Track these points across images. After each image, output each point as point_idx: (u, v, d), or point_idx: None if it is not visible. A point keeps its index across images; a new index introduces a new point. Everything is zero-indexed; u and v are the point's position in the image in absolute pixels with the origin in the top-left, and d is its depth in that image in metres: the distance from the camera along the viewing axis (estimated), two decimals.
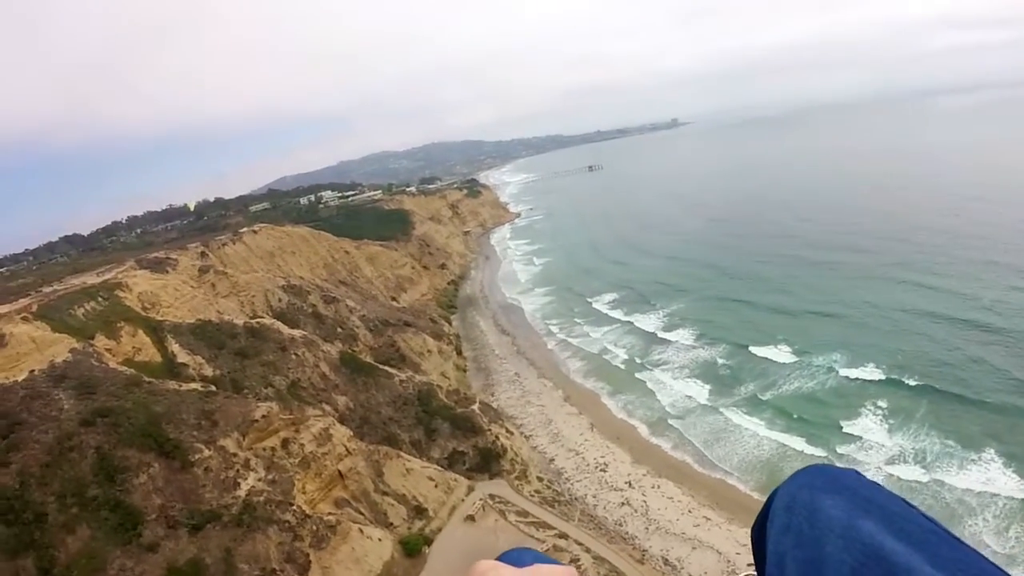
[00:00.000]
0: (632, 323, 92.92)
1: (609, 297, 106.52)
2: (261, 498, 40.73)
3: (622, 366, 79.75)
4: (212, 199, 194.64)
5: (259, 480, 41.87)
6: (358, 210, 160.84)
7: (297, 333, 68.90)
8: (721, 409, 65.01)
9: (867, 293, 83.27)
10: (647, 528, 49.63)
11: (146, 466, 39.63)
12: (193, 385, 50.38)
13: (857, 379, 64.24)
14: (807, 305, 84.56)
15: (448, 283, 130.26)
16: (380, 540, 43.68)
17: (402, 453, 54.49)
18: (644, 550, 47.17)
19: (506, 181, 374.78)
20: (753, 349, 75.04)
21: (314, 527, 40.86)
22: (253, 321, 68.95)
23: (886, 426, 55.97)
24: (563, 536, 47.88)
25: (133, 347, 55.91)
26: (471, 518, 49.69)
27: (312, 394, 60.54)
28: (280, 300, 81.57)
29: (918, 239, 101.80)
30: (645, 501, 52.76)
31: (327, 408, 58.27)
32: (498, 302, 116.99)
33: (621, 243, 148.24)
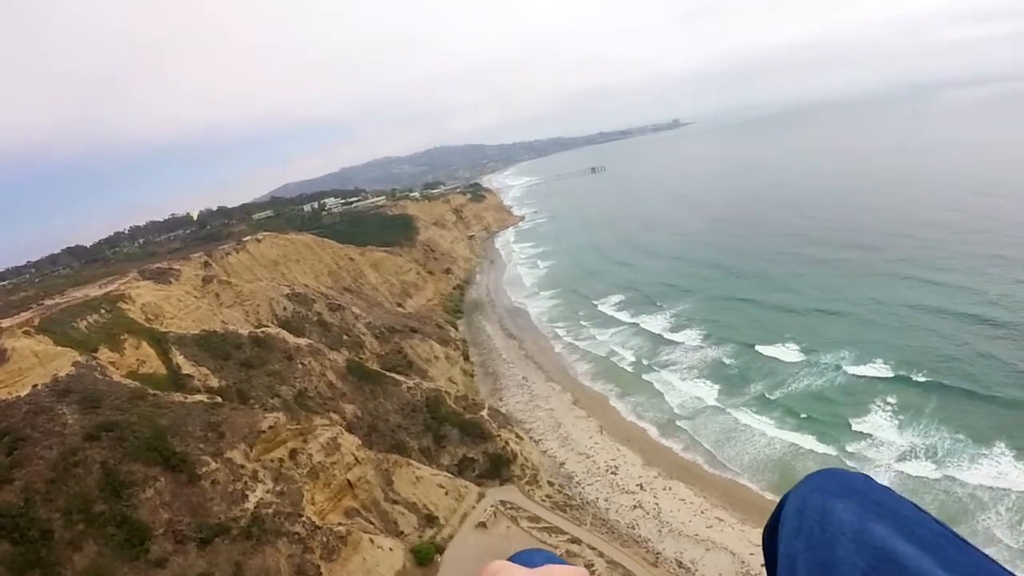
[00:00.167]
0: (639, 325, 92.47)
1: (615, 299, 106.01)
2: (270, 510, 40.17)
3: (630, 368, 79.32)
4: (215, 208, 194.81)
5: (267, 492, 41.31)
6: (362, 216, 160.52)
7: (303, 342, 68.40)
8: (730, 409, 64.68)
9: (872, 290, 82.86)
10: (660, 530, 49.30)
11: (152, 480, 39.12)
12: (199, 397, 49.87)
13: (865, 376, 63.92)
14: (813, 303, 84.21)
15: (453, 288, 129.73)
16: (391, 549, 43.11)
17: (411, 461, 53.95)
18: (658, 553, 46.87)
19: (509, 184, 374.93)
20: (760, 348, 74.70)
21: (324, 538, 40.28)
22: (258, 331, 68.47)
23: (896, 423, 55.62)
24: (576, 541, 47.55)
25: (137, 359, 55.44)
26: (483, 525, 49.20)
27: (319, 403, 59.97)
28: (285, 309, 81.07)
29: (922, 235, 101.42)
30: (657, 503, 52.41)
31: (335, 417, 57.71)
32: (504, 306, 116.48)
33: (625, 244, 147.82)
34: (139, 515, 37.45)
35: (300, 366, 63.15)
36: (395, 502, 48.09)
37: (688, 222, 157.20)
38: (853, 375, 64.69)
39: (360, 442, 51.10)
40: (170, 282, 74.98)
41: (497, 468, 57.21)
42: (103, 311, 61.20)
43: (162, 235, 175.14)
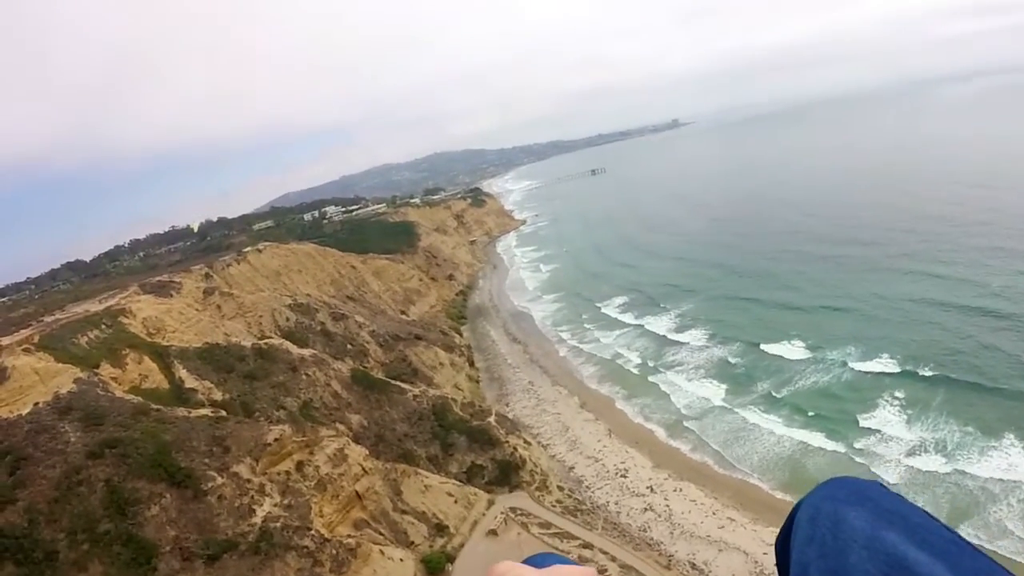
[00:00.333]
0: (643, 326, 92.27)
1: (618, 301, 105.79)
2: (278, 524, 39.57)
3: (635, 370, 79.09)
4: (215, 219, 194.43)
5: (275, 505, 40.72)
6: (363, 224, 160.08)
7: (307, 352, 67.87)
8: (737, 409, 64.52)
9: (875, 285, 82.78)
10: (672, 533, 49.09)
11: (158, 497, 38.53)
12: (203, 411, 49.26)
13: (871, 372, 63.75)
14: (816, 300, 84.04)
15: (456, 294, 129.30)
16: (402, 560, 42.46)
17: (419, 470, 53.48)
18: (670, 555, 46.65)
19: (509, 189, 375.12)
20: (765, 347, 74.52)
21: (334, 551, 39.66)
22: (261, 342, 67.92)
23: (904, 418, 55.47)
24: (588, 546, 47.31)
25: (139, 374, 54.88)
26: (493, 532, 48.80)
27: (325, 414, 59.40)
28: (288, 319, 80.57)
29: (923, 229, 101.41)
30: (668, 505, 52.17)
31: (341, 427, 57.14)
32: (508, 311, 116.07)
33: (627, 246, 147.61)
34: (145, 533, 36.85)
35: (304, 377, 62.62)
36: (404, 512, 47.53)
37: (689, 222, 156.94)
38: (859, 371, 64.50)
39: (367, 452, 50.53)
40: (171, 295, 74.42)
41: (506, 474, 56.70)
42: (104, 326, 60.60)
43: (162, 247, 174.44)
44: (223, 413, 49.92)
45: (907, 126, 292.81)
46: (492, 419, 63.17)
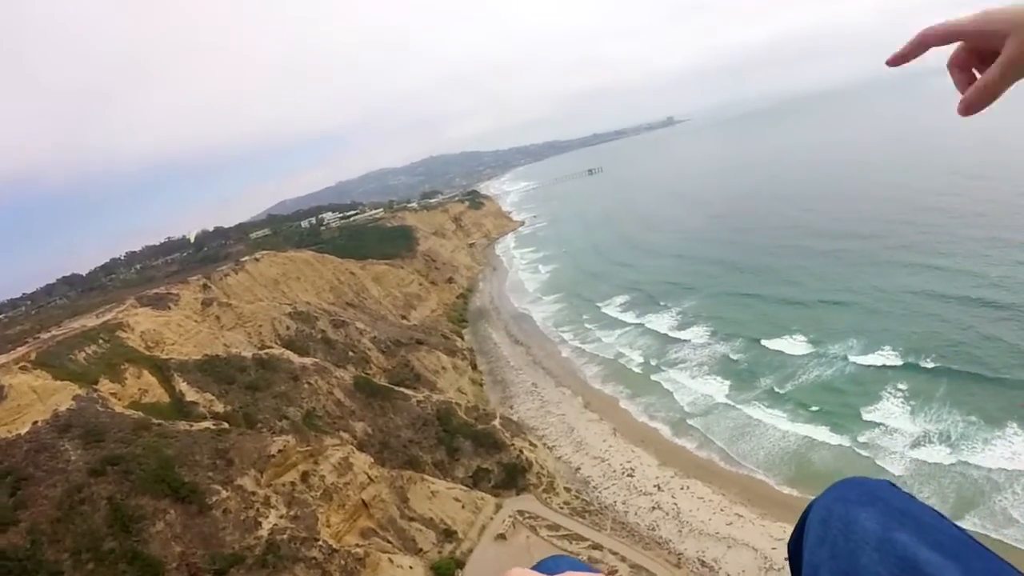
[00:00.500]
0: (644, 325, 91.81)
1: (619, 300, 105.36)
2: (284, 536, 39.17)
3: (638, 369, 78.68)
4: (212, 228, 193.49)
5: (281, 517, 40.28)
6: (361, 230, 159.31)
7: (308, 361, 67.38)
8: (741, 405, 64.23)
9: (875, 278, 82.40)
10: (680, 531, 48.86)
11: (162, 513, 38.12)
12: (204, 424, 48.77)
13: (873, 365, 63.44)
14: (816, 294, 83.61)
15: (457, 297, 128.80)
16: (411, 568, 42.10)
17: (426, 476, 53.05)
18: (679, 553, 46.47)
19: (506, 190, 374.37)
20: (767, 342, 74.18)
21: (342, 561, 39.27)
22: (262, 352, 67.43)
23: (907, 410, 55.20)
24: (597, 547, 47.10)
25: (139, 389, 54.37)
26: (502, 536, 48.42)
27: (328, 423, 58.93)
28: (288, 328, 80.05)
29: (921, 220, 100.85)
30: (676, 503, 51.96)
31: (345, 436, 56.71)
32: (509, 312, 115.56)
33: (626, 245, 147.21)
34: (150, 550, 36.47)
35: (307, 386, 62.14)
36: (412, 519, 47.09)
37: (687, 220, 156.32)
38: (861, 364, 64.18)
39: (372, 460, 50.21)
40: (169, 307, 73.93)
41: (513, 477, 56.30)
42: (101, 341, 60.09)
43: (159, 259, 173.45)
44: (225, 425, 49.48)
45: (901, 118, 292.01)
46: (497, 422, 62.74)
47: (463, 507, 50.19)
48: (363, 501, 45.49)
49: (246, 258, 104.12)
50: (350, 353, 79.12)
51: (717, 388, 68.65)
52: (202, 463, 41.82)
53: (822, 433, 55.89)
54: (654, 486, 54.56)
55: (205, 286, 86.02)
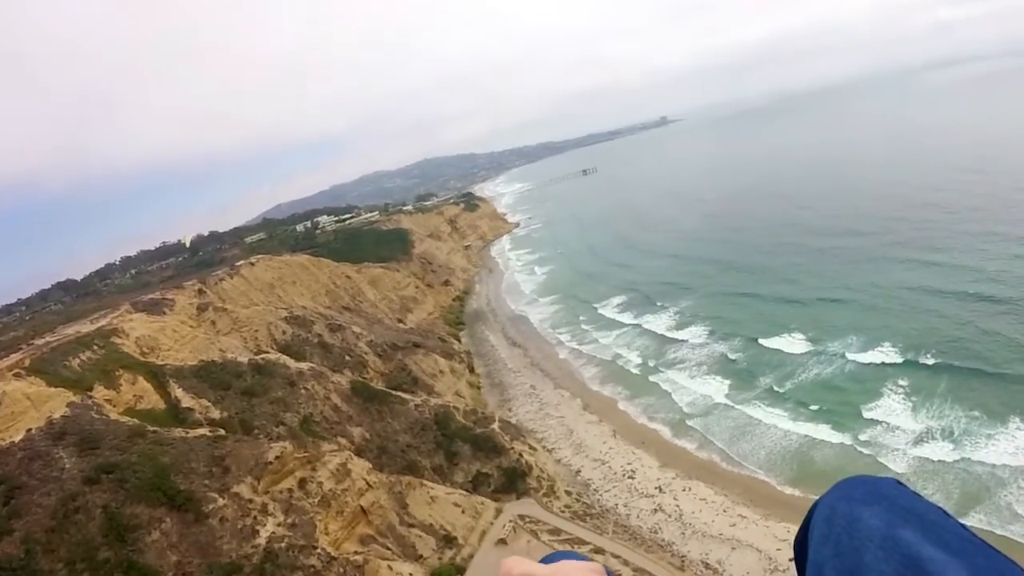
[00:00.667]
0: (641, 325, 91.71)
1: (616, 301, 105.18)
2: (282, 544, 38.67)
3: (637, 370, 78.51)
4: (207, 233, 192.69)
5: (278, 525, 39.76)
6: (356, 233, 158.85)
7: (304, 366, 66.82)
8: (741, 405, 64.10)
9: (872, 275, 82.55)
10: (683, 533, 48.57)
11: (158, 522, 37.56)
12: (200, 430, 48.13)
13: (873, 363, 63.38)
14: (814, 292, 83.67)
15: (453, 299, 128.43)
16: (411, 574, 41.50)
17: (425, 481, 52.56)
18: (683, 556, 46.16)
19: (501, 192, 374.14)
20: (765, 341, 74.11)
21: (341, 569, 38.82)
22: (258, 357, 66.79)
23: (908, 407, 55.13)
24: (599, 551, 46.54)
25: (134, 395, 53.77)
26: (503, 542, 47.92)
27: (326, 428, 58.40)
28: (284, 332, 79.44)
29: (917, 217, 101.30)
30: (678, 505, 51.66)
31: (343, 441, 56.23)
32: (506, 315, 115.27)
33: (622, 245, 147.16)
34: (146, 559, 35.90)
35: (303, 391, 61.55)
36: (411, 525, 46.58)
37: (683, 219, 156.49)
38: (861, 362, 64.17)
39: (371, 466, 49.68)
40: (164, 312, 73.33)
41: (512, 481, 55.92)
42: (96, 347, 59.46)
43: (154, 264, 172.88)
44: (222, 432, 48.85)
45: (895, 115, 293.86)
46: (496, 426, 62.35)
47: (463, 512, 49.72)
48: (362, 507, 44.98)
49: (241, 262, 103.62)
50: (347, 357, 78.59)
51: (716, 388, 68.50)
52: (198, 470, 41.27)
53: (823, 432, 55.69)
54: (656, 488, 54.28)
55: (200, 291, 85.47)
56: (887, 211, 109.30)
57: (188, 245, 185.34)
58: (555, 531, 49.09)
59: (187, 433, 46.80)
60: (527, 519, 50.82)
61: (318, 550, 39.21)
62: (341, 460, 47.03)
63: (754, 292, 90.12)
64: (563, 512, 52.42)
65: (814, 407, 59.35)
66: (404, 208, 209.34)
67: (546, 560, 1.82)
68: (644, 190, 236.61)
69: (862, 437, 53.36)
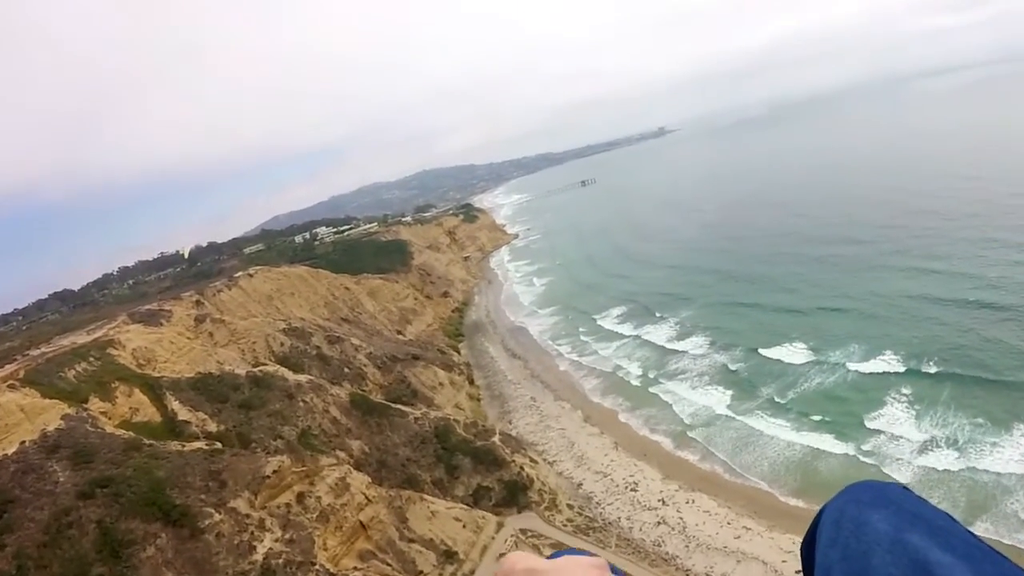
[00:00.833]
0: (641, 336, 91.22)
1: (615, 312, 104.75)
2: (280, 560, 37.99)
3: (637, 381, 77.98)
4: (205, 244, 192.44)
5: (276, 541, 39.06)
6: (355, 244, 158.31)
7: (303, 378, 66.15)
8: (742, 416, 63.62)
9: (872, 283, 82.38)
10: (687, 546, 47.94)
11: (153, 537, 36.82)
12: (197, 444, 47.46)
13: (874, 372, 63.07)
14: (813, 302, 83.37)
15: (453, 311, 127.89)
16: None
17: (425, 495, 51.91)
18: (687, 570, 45.66)
19: (500, 203, 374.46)
20: (766, 351, 73.75)
21: None
22: (256, 370, 66.10)
23: (912, 416, 54.83)
24: None
25: (130, 408, 53.02)
26: (504, 556, 46.98)
27: (324, 441, 57.66)
28: (282, 344, 78.81)
29: (915, 224, 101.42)
30: (681, 517, 51.03)
31: (341, 455, 55.54)
32: (505, 326, 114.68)
33: (620, 256, 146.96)
34: None
35: (302, 404, 60.84)
36: (411, 540, 45.84)
37: (681, 229, 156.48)
38: (862, 371, 63.82)
39: (370, 480, 48.99)
40: (161, 324, 72.69)
41: (514, 495, 55.31)
42: (92, 359, 58.78)
43: (152, 274, 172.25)
44: (218, 445, 48.18)
45: (891, 122, 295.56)
46: (496, 438, 61.79)
47: (464, 527, 49.06)
48: (361, 522, 44.27)
49: (239, 273, 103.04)
50: (345, 369, 77.96)
51: (718, 399, 68.06)
52: (194, 485, 40.57)
53: (826, 442, 55.28)
54: (658, 500, 53.74)
55: (198, 302, 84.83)
56: (885, 219, 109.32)
57: (186, 256, 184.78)
58: (557, 545, 48.49)
59: (183, 447, 46.12)
60: (529, 533, 50.35)
61: (316, 566, 38.56)
62: (340, 474, 46.37)
63: (754, 302, 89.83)
64: (565, 526, 51.91)
65: (816, 417, 58.96)
66: (403, 219, 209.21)
67: (551, 557, 1.81)
68: (642, 200, 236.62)
69: (865, 447, 52.97)
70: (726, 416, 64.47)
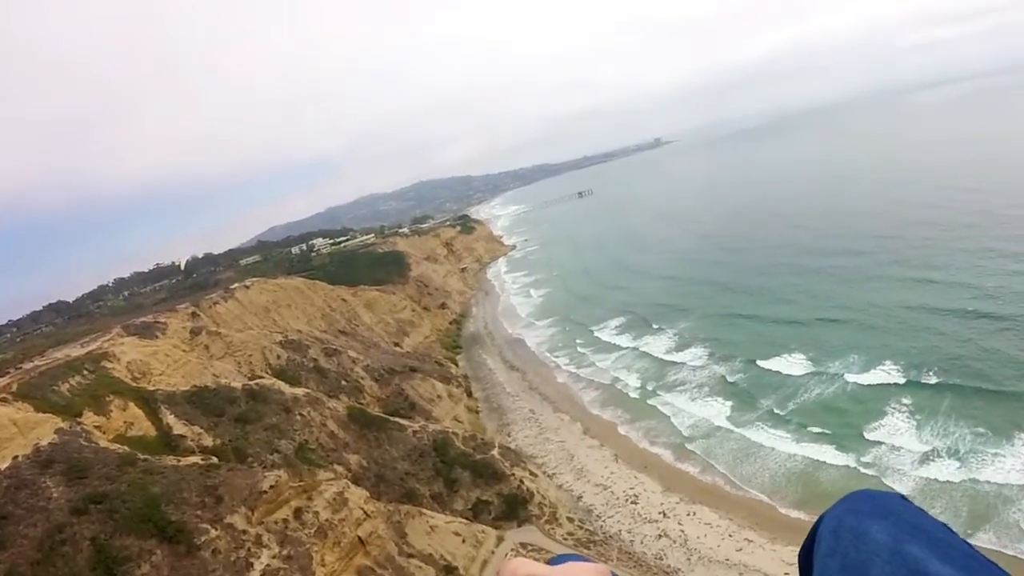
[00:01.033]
0: (639, 348, 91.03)
1: (613, 323, 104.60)
2: None
3: (636, 393, 77.71)
4: (201, 255, 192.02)
5: (273, 557, 38.40)
6: (352, 256, 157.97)
7: (300, 391, 65.54)
8: (742, 428, 63.38)
9: (870, 294, 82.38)
10: (689, 559, 47.62)
11: (148, 554, 36.11)
12: (193, 458, 46.75)
13: (874, 383, 62.93)
14: (811, 313, 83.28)
15: (450, 323, 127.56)
16: None
17: (424, 509, 51.41)
18: None
19: (497, 214, 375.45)
20: (765, 363, 73.57)
21: None
22: (252, 383, 65.43)
23: (912, 427, 54.70)
24: None
25: (125, 422, 52.25)
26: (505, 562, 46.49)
27: (322, 456, 57.03)
28: (279, 357, 78.21)
29: (912, 235, 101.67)
30: (683, 530, 50.70)
31: (339, 469, 54.90)
32: (503, 338, 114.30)
33: (617, 267, 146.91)
34: None
35: (299, 417, 60.20)
36: (411, 555, 45.24)
37: (678, 241, 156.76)
38: (862, 382, 63.68)
39: (368, 494, 48.30)
40: (156, 336, 71.94)
41: (514, 509, 54.86)
42: (86, 372, 57.97)
43: (148, 286, 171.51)
44: (214, 460, 47.44)
45: (887, 133, 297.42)
46: (495, 451, 61.30)
47: (463, 541, 48.56)
48: (359, 538, 43.62)
49: (236, 285, 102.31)
50: (343, 382, 77.39)
51: (717, 411, 67.82)
52: (190, 500, 39.90)
53: (827, 454, 55.07)
54: (659, 513, 53.43)
55: (194, 314, 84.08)
56: (883, 229, 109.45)
57: (182, 267, 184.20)
58: None
59: (179, 461, 45.45)
60: (529, 547, 49.96)
61: None
62: (338, 489, 45.75)
63: (752, 313, 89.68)
64: (566, 540, 51.50)
65: (816, 429, 58.72)
66: (400, 230, 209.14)
67: (553, 563, 1.79)
68: (640, 212, 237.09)
69: (866, 458, 52.78)
70: (726, 428, 64.23)
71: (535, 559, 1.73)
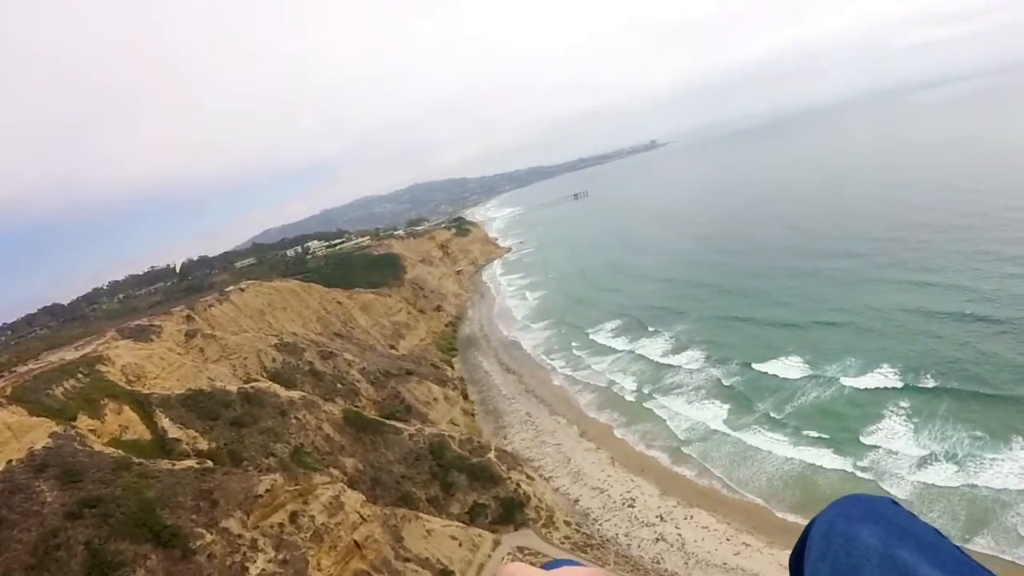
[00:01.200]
0: (635, 351, 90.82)
1: (609, 326, 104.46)
2: None
3: (632, 396, 77.55)
4: (196, 258, 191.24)
5: (269, 561, 38.22)
6: (347, 258, 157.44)
7: (295, 395, 65.30)
8: (739, 431, 63.22)
9: (867, 297, 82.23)
10: (686, 563, 47.46)
11: (143, 559, 35.92)
12: (188, 462, 46.59)
13: (871, 387, 62.79)
14: (808, 316, 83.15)
15: (446, 325, 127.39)
16: None
17: (420, 513, 51.26)
18: None
19: (492, 217, 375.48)
20: (761, 366, 73.41)
21: None
22: (247, 386, 65.19)
23: (909, 431, 54.58)
24: None
25: (119, 425, 52.03)
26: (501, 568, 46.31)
27: (318, 459, 56.87)
28: (274, 360, 77.94)
29: (909, 237, 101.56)
30: (680, 534, 50.56)
31: (335, 473, 54.77)
32: (499, 340, 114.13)
33: (613, 269, 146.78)
34: None
35: (294, 421, 59.97)
36: (407, 559, 45.07)
37: (675, 243, 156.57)
38: (859, 386, 63.51)
39: (364, 498, 48.17)
40: (151, 339, 71.69)
41: (510, 512, 54.67)
42: (80, 375, 57.73)
43: (143, 288, 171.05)
44: (210, 464, 47.32)
45: (884, 134, 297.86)
46: (492, 455, 61.13)
47: (460, 545, 48.40)
48: (355, 542, 43.44)
49: (231, 288, 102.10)
50: (339, 385, 77.17)
51: (714, 414, 67.66)
52: (185, 504, 39.71)
53: (824, 458, 54.93)
54: (656, 516, 53.27)
55: (189, 317, 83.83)
56: (880, 232, 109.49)
57: (177, 270, 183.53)
58: None
59: (174, 465, 45.27)
60: (526, 551, 49.78)
61: None
62: (334, 492, 45.57)
63: (748, 316, 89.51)
64: (563, 543, 51.31)
65: (813, 432, 58.55)
66: (395, 233, 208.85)
67: (548, 567, 1.79)
68: (635, 214, 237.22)
69: (863, 462, 52.69)
70: (722, 431, 64.08)
71: (531, 563, 1.70)
